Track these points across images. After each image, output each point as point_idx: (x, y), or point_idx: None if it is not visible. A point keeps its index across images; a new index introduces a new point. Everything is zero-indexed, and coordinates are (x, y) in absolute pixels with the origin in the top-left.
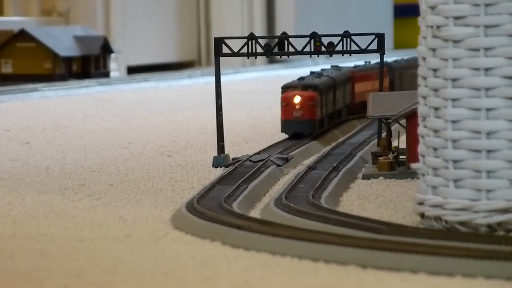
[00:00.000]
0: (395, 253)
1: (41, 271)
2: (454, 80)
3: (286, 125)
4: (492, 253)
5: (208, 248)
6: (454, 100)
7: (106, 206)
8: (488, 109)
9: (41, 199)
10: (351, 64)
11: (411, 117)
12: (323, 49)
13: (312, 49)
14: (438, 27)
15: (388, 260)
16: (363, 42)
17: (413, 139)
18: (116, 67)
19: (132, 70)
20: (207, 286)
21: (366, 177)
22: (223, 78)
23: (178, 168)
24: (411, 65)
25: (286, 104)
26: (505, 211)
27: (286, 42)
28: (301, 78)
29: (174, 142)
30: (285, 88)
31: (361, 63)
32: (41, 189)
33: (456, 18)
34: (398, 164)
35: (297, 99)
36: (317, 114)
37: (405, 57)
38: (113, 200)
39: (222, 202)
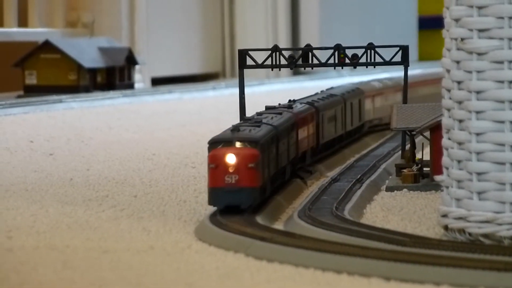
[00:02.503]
0: (419, 265)
1: (64, 282)
2: (478, 92)
3: (215, 195)
4: None
5: (231, 260)
6: (478, 112)
7: (129, 217)
8: None
9: (64, 210)
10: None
11: (435, 129)
12: (347, 61)
13: (336, 61)
14: (462, 39)
15: (412, 272)
16: (387, 54)
17: (437, 151)
18: (140, 78)
19: (156, 82)
20: None
21: (390, 189)
22: (247, 90)
23: (202, 179)
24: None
25: (216, 166)
26: None
27: (310, 54)
28: (235, 129)
29: (198, 154)
30: (214, 144)
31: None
32: (65, 200)
33: (481, 30)
34: (422, 176)
35: (231, 159)
36: (258, 180)
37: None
38: (136, 211)
39: (246, 214)
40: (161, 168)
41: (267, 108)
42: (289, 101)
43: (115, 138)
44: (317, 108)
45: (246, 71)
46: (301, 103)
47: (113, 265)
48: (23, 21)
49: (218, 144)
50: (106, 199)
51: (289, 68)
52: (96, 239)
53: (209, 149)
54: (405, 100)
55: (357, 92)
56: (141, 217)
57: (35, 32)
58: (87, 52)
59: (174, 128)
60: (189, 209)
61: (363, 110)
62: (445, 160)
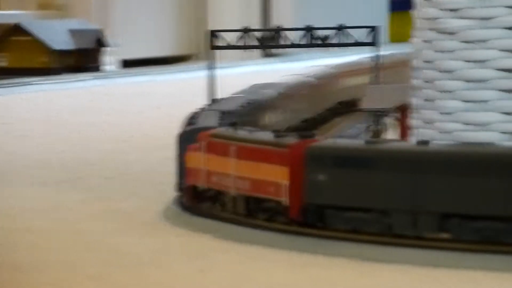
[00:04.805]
0: (393, 246)
1: (38, 264)
2: (448, 72)
3: None
4: (486, 247)
5: (201, 241)
6: (448, 92)
7: (103, 199)
8: (482, 101)
9: (38, 192)
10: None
11: (405, 109)
12: (318, 42)
13: (307, 42)
14: (433, 19)
15: (386, 253)
16: (358, 35)
17: (406, 131)
18: (112, 60)
19: (128, 64)
20: (201, 277)
21: None
22: (219, 72)
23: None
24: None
25: None
26: None
27: (281, 35)
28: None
29: (172, 136)
30: None
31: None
32: (39, 182)
33: (452, 10)
34: None
35: None
36: None
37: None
38: (110, 193)
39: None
40: (134, 150)
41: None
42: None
43: (88, 120)
44: None
45: (218, 53)
46: None
47: (86, 246)
48: None
49: None
50: (79, 181)
51: (260, 50)
52: (70, 221)
53: None
54: (376, 80)
55: (253, 106)
56: (114, 199)
57: (7, 14)
58: (58, 34)
59: (147, 111)
60: (161, 191)
61: None
62: (413, 140)
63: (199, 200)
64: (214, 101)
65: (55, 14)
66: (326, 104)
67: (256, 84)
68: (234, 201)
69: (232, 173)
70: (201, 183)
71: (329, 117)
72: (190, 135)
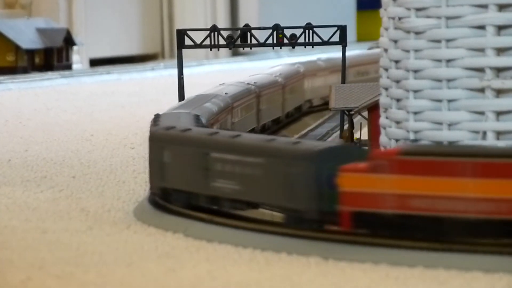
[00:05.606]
0: (358, 245)
1: (3, 263)
2: (415, 71)
3: None
4: (451, 246)
5: (170, 240)
6: (415, 91)
7: (68, 198)
8: (449, 100)
9: (3, 191)
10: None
11: (373, 109)
12: (285, 41)
13: (275, 41)
14: (400, 18)
15: (350, 252)
16: (325, 34)
17: (375, 131)
18: (78, 59)
19: (95, 63)
20: (170, 277)
21: None
22: (186, 71)
23: (141, 160)
24: None
25: None
26: None
27: (248, 34)
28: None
29: (137, 135)
30: None
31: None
32: (3, 181)
33: (418, 9)
34: None
35: None
36: None
37: None
38: (75, 192)
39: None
40: (99, 149)
41: None
42: None
43: (53, 119)
44: None
45: (185, 51)
46: None
47: (52, 246)
48: None
49: None
50: (44, 180)
51: (227, 49)
52: (35, 220)
53: None
54: (343, 80)
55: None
56: (79, 197)
57: None
58: (25, 33)
59: (113, 109)
60: (128, 190)
61: None
62: (383, 139)
63: (361, 227)
64: (157, 116)
65: (20, 13)
66: (272, 114)
67: (199, 95)
68: (472, 227)
69: (469, 195)
70: (386, 209)
71: (274, 127)
72: None
